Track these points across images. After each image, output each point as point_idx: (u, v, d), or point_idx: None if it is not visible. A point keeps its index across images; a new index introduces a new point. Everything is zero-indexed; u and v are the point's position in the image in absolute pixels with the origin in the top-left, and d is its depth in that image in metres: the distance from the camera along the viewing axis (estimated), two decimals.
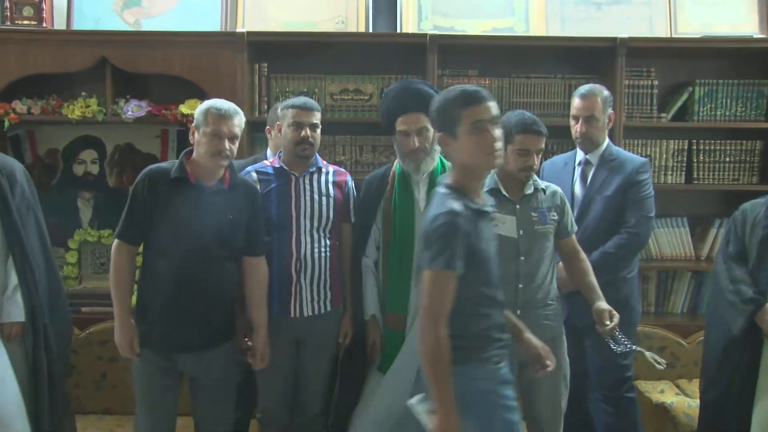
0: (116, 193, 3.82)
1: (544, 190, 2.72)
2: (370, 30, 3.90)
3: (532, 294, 2.65)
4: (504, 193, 2.68)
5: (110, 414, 3.44)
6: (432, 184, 2.83)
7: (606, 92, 3.10)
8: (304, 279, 2.80)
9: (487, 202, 2.17)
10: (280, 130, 2.88)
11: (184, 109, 3.54)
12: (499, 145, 2.05)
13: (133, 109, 3.59)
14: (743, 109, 3.78)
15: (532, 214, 2.67)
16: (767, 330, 2.55)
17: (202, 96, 3.57)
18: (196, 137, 2.57)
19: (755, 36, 3.84)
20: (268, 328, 2.77)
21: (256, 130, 3.75)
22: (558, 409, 2.73)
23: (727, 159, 3.79)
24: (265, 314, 2.74)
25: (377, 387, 2.82)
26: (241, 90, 3.57)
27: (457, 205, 2.00)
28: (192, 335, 2.57)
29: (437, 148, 2.85)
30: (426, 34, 3.58)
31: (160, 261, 2.56)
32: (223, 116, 2.52)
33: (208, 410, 2.71)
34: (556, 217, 2.70)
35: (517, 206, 2.68)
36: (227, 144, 2.52)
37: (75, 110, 3.59)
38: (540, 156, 2.69)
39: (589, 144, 3.09)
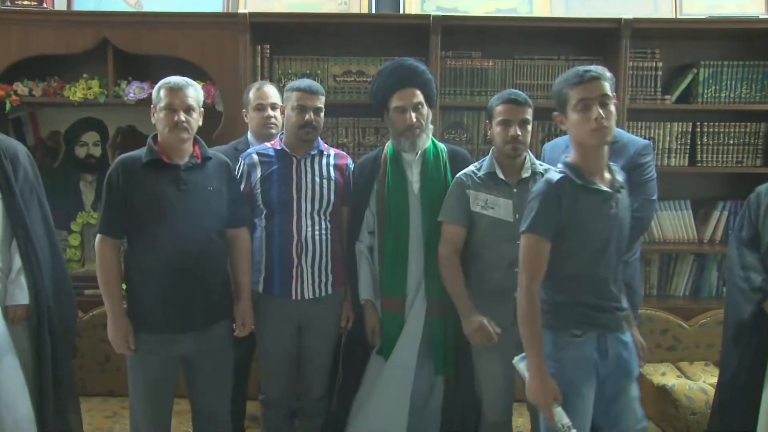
0: None
1: (543, 174, 2.63)
2: (373, 11, 3.89)
3: None
4: (501, 176, 2.67)
5: (114, 396, 3.48)
6: (425, 165, 2.82)
7: (608, 74, 3.05)
8: (306, 261, 2.80)
9: (605, 182, 2.22)
10: (283, 112, 2.87)
11: None
12: (605, 122, 2.11)
13: (135, 90, 3.58)
14: (748, 91, 3.76)
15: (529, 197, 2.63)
16: None
17: (205, 78, 3.60)
18: (156, 117, 2.59)
19: (761, 17, 3.81)
20: (270, 311, 2.82)
21: None
22: None
23: (731, 141, 3.78)
24: (249, 283, 2.78)
25: (378, 372, 2.85)
26: (244, 71, 3.56)
27: (556, 177, 2.19)
28: (192, 314, 2.59)
29: (431, 126, 2.85)
30: (429, 16, 3.57)
31: (150, 245, 2.54)
32: (173, 88, 2.55)
33: (206, 391, 2.71)
34: None
35: (514, 190, 2.65)
36: (183, 115, 2.53)
37: (77, 92, 3.59)
38: (527, 128, 2.63)
39: None
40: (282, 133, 2.91)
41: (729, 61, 3.75)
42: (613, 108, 2.17)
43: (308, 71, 3.75)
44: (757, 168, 3.75)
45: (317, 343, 2.90)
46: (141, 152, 2.59)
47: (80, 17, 3.62)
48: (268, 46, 3.72)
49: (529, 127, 2.65)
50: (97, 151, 3.92)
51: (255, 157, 2.86)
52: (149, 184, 2.54)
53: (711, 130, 3.77)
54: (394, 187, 2.83)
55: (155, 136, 2.63)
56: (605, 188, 2.21)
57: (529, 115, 2.63)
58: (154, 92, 2.61)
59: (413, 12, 3.83)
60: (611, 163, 2.32)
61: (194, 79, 3.44)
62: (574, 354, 2.21)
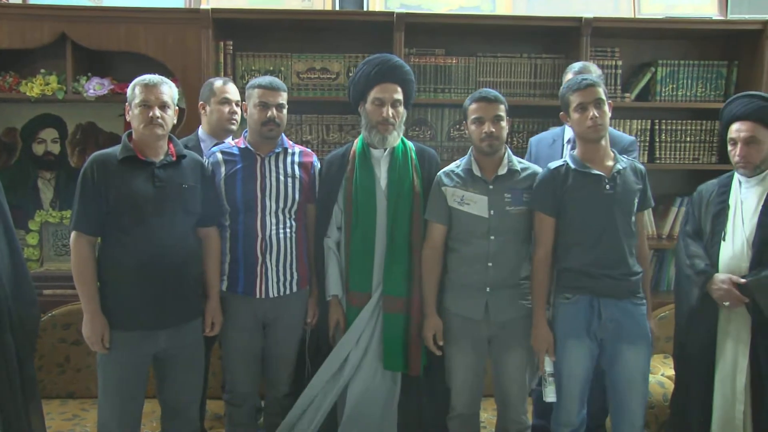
0: (78, 173, 3.71)
1: (520, 171, 2.72)
2: (337, 8, 3.88)
3: (503, 273, 2.69)
4: (477, 173, 2.71)
5: (74, 398, 3.40)
6: (393, 162, 2.83)
7: (598, 70, 3.15)
8: (270, 260, 2.79)
9: (603, 168, 2.62)
10: (245, 110, 2.85)
11: None
12: (599, 121, 2.55)
13: (95, 87, 3.52)
14: (703, 89, 3.85)
15: (505, 195, 2.68)
16: (717, 297, 2.66)
17: (167, 74, 3.50)
18: (131, 114, 2.58)
19: (715, 18, 3.91)
20: (234, 309, 2.81)
21: None
22: (523, 386, 2.79)
23: (688, 139, 3.86)
24: (218, 283, 2.79)
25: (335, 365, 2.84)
26: (206, 68, 3.52)
27: (555, 165, 2.67)
28: (167, 311, 2.58)
29: (403, 127, 2.87)
30: (393, 13, 3.57)
31: (126, 242, 2.53)
32: (148, 85, 2.55)
33: (178, 388, 2.70)
34: (529, 199, 2.70)
35: (490, 186, 2.69)
36: (157, 111, 2.53)
37: (34, 88, 3.52)
38: (500, 125, 2.66)
39: None
40: (246, 132, 2.89)
41: (685, 60, 3.83)
42: (606, 109, 2.59)
43: (272, 68, 3.73)
44: (712, 165, 3.83)
45: (282, 341, 2.89)
46: (116, 149, 2.58)
47: (37, 11, 3.53)
48: (231, 43, 3.69)
49: (504, 123, 2.69)
50: (55, 148, 3.84)
51: (219, 155, 2.84)
52: (125, 181, 2.52)
53: (669, 127, 3.84)
54: (362, 184, 2.83)
55: (130, 134, 2.61)
56: (598, 172, 2.60)
57: (501, 111, 2.67)
58: (129, 90, 2.59)
59: (377, 9, 3.83)
60: (619, 155, 2.68)
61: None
62: (564, 312, 2.67)
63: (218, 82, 3.13)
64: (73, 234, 2.56)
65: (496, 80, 3.78)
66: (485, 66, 3.78)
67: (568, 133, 3.13)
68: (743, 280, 2.61)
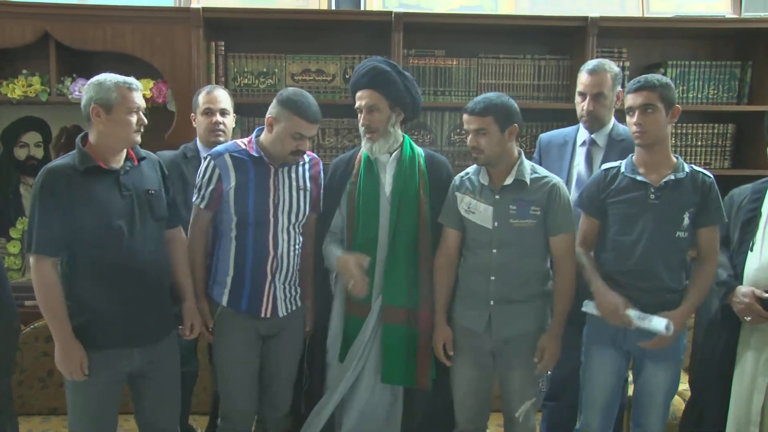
0: None
1: (531, 182, 2.55)
2: (333, 7, 3.82)
3: (507, 288, 2.56)
4: (482, 181, 2.58)
5: (56, 414, 3.28)
6: (399, 168, 2.73)
7: (616, 68, 2.97)
8: (279, 279, 2.65)
9: (655, 177, 2.51)
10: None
11: None
12: (644, 128, 2.46)
13: (80, 88, 3.41)
14: (715, 91, 3.74)
15: (510, 206, 2.54)
16: (739, 311, 2.54)
17: (155, 75, 3.48)
18: (112, 117, 2.37)
19: (728, 16, 3.81)
20: (234, 327, 2.67)
21: None
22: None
23: (699, 143, 3.76)
24: (191, 284, 2.64)
25: (340, 378, 2.74)
26: (197, 69, 3.44)
27: (609, 166, 2.62)
28: (143, 326, 2.45)
29: (394, 131, 2.73)
30: (391, 12, 3.50)
31: (96, 258, 2.36)
32: (133, 88, 2.41)
33: (157, 406, 2.57)
34: (538, 212, 2.53)
35: (497, 196, 2.56)
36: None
37: (15, 89, 3.43)
38: (483, 138, 2.50)
39: (595, 123, 2.93)
40: (257, 133, 2.69)
41: (696, 61, 3.73)
42: (658, 116, 2.46)
43: (265, 69, 3.63)
44: (725, 170, 3.74)
45: (285, 358, 2.76)
46: (69, 159, 2.38)
47: (19, 9, 3.42)
48: (222, 43, 3.60)
49: (488, 137, 2.50)
50: (39, 153, 3.74)
51: (228, 159, 2.62)
52: (90, 193, 2.34)
53: (679, 131, 3.73)
54: (365, 190, 2.74)
55: (83, 139, 2.43)
56: (645, 179, 2.51)
57: (483, 124, 2.49)
58: (106, 91, 2.37)
59: (374, 8, 3.76)
60: (684, 164, 2.53)
61: (145, 77, 3.43)
62: (592, 319, 2.62)
63: (202, 92, 3.03)
64: (33, 258, 2.33)
65: (498, 82, 3.69)
66: (487, 67, 3.69)
67: (583, 135, 2.98)
68: (767, 295, 2.47)
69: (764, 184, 2.64)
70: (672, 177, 2.49)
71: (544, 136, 3.16)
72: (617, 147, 2.89)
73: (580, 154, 2.96)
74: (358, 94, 2.70)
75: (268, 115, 2.61)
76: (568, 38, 3.69)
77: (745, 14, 3.82)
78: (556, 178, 2.60)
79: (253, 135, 2.70)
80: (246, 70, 3.63)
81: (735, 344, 2.61)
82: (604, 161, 2.87)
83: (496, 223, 2.54)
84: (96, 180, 2.36)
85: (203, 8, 3.43)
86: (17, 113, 3.69)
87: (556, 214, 2.54)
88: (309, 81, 3.65)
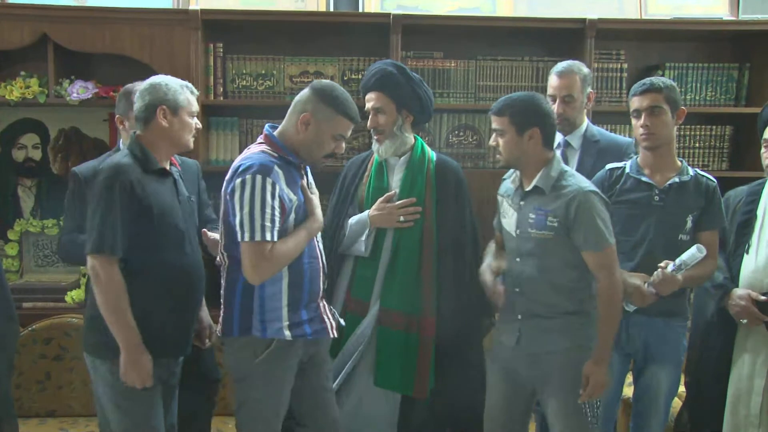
0: (61, 181, 3.58)
1: (550, 190, 2.36)
2: (331, 9, 3.80)
3: (533, 301, 2.39)
4: (512, 184, 2.48)
5: (54, 417, 3.25)
6: (409, 170, 2.75)
7: (585, 69, 2.97)
8: (325, 291, 2.49)
9: (659, 179, 2.52)
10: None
11: None
12: (651, 130, 2.48)
13: (79, 90, 3.42)
14: (713, 93, 3.74)
15: (530, 214, 2.37)
16: (735, 314, 2.54)
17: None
18: (178, 119, 2.31)
19: (726, 18, 3.81)
20: (287, 363, 2.38)
21: (211, 114, 3.63)
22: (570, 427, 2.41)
23: (697, 145, 3.75)
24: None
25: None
26: (195, 71, 3.42)
27: (614, 166, 2.64)
28: (189, 335, 2.44)
29: (402, 133, 2.74)
30: (389, 14, 3.48)
31: (158, 263, 2.29)
32: (195, 93, 2.41)
33: (175, 411, 2.55)
34: (555, 224, 2.32)
35: (522, 202, 2.42)
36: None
37: (14, 91, 3.41)
38: (500, 138, 2.39)
39: (567, 125, 2.94)
40: (269, 129, 2.41)
41: (694, 63, 3.73)
42: (665, 118, 2.50)
43: (263, 71, 3.62)
44: (723, 171, 3.72)
45: (325, 377, 2.56)
46: (127, 157, 2.28)
47: (17, 10, 3.41)
48: (221, 45, 3.59)
49: (505, 138, 2.37)
50: (36, 155, 3.73)
51: (279, 172, 2.26)
52: (158, 196, 2.28)
53: (676, 133, 3.65)
54: (374, 192, 2.79)
55: (138, 138, 2.33)
56: (649, 181, 2.52)
57: (500, 124, 2.37)
58: (172, 92, 2.31)
59: (373, 10, 3.75)
60: (689, 167, 2.56)
61: (142, 79, 3.32)
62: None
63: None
64: (98, 259, 2.19)
65: (496, 84, 3.68)
66: (485, 69, 3.68)
67: (558, 136, 2.90)
68: (763, 297, 2.47)
69: (759, 186, 2.64)
70: (677, 180, 2.50)
71: None
72: (593, 148, 2.91)
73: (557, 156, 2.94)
74: (367, 96, 2.76)
75: (302, 111, 2.31)
76: (566, 40, 3.68)
77: (743, 16, 3.81)
78: (581, 189, 2.33)
79: (271, 135, 2.37)
80: (244, 71, 3.61)
81: (731, 346, 2.61)
82: (579, 163, 2.88)
83: (518, 231, 2.42)
84: (158, 182, 2.31)
85: (202, 10, 3.42)
86: (15, 115, 3.68)
87: (577, 229, 2.31)
88: (307, 83, 3.50)
